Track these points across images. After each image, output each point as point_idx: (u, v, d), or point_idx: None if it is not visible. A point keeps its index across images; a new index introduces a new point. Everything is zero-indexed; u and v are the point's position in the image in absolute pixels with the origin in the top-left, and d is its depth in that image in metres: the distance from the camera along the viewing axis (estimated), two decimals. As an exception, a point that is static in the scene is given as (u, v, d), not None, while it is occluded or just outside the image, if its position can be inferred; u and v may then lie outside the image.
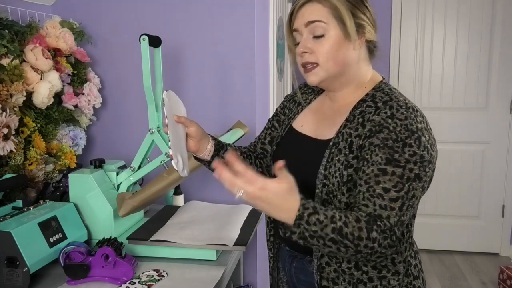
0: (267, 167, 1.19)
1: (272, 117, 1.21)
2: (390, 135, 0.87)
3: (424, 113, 0.95)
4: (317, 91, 1.13)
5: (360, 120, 0.94)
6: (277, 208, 0.81)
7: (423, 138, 0.87)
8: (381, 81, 1.01)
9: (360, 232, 0.83)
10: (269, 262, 1.19)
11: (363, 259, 0.87)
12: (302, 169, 0.99)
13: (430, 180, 0.95)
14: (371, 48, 1.01)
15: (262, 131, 1.22)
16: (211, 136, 1.11)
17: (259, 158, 1.20)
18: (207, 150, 1.08)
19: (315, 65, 0.96)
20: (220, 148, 1.11)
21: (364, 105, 0.96)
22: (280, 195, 0.80)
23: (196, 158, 1.10)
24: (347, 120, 0.97)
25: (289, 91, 2.77)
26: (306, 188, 0.98)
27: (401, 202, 0.85)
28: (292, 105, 1.17)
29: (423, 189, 0.89)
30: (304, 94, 1.16)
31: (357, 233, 0.83)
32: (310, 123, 1.06)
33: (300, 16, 0.96)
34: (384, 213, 0.85)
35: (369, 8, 0.97)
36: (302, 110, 1.12)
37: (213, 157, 1.09)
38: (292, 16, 0.99)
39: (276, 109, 1.21)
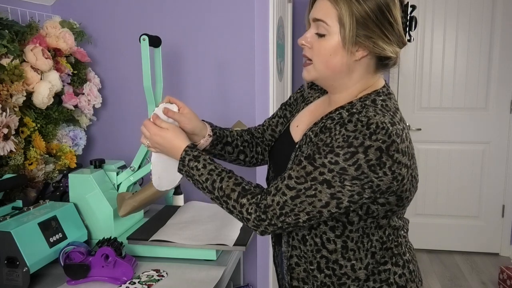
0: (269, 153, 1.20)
1: (285, 105, 1.20)
2: (326, 138, 0.86)
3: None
4: (323, 90, 1.10)
5: (322, 125, 0.94)
6: (170, 150, 1.01)
7: (360, 155, 0.82)
8: (374, 90, 0.96)
9: (231, 192, 0.93)
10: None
11: (243, 222, 0.94)
12: (280, 171, 1.00)
13: (399, 199, 0.90)
14: (384, 62, 0.95)
15: (274, 117, 1.21)
16: (213, 130, 1.12)
17: (264, 144, 1.21)
18: (200, 144, 1.10)
19: (310, 61, 0.95)
20: (218, 143, 1.12)
21: (337, 112, 0.95)
22: (169, 138, 1.01)
23: None
24: (315, 123, 0.97)
25: (289, 91, 2.77)
26: None
27: (295, 193, 0.86)
28: (300, 99, 1.16)
29: (336, 198, 0.85)
30: (313, 90, 1.14)
31: (228, 191, 0.93)
32: (304, 124, 1.05)
33: (314, 7, 0.93)
34: (273, 191, 0.89)
35: (395, 23, 0.89)
36: (303, 108, 1.11)
37: (208, 150, 1.12)
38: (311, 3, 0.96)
39: (290, 97, 1.20)
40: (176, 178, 1.08)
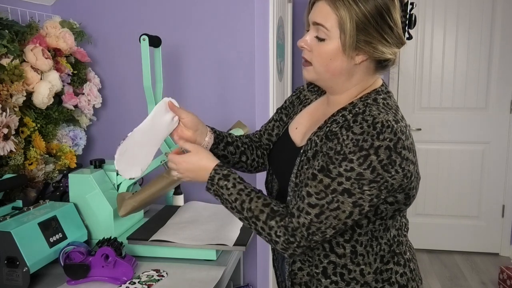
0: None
1: (281, 109, 1.20)
2: (336, 146, 0.86)
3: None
4: (321, 91, 1.11)
5: (327, 129, 0.93)
6: (198, 173, 0.99)
7: (373, 157, 0.82)
8: (374, 90, 0.96)
9: (260, 214, 0.91)
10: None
11: (271, 244, 0.93)
12: (282, 175, 1.01)
13: (407, 197, 0.90)
14: (383, 64, 0.95)
15: (270, 121, 1.21)
16: (212, 129, 1.12)
17: (263, 148, 1.20)
18: (205, 142, 1.09)
19: (309, 64, 0.95)
20: (220, 141, 1.12)
21: (340, 114, 0.94)
22: (195, 162, 0.98)
23: None
24: (319, 127, 0.96)
25: (289, 91, 2.77)
26: (282, 195, 1.00)
27: (319, 210, 0.86)
28: (296, 102, 1.16)
29: (358, 206, 0.85)
30: (310, 92, 1.14)
31: (257, 213, 0.91)
32: (303, 126, 1.05)
33: (313, 10, 0.92)
34: (296, 213, 0.88)
35: (395, 26, 0.89)
36: (301, 110, 1.11)
37: (212, 150, 1.11)
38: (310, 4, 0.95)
39: (286, 101, 1.20)
40: (136, 170, 1.06)
